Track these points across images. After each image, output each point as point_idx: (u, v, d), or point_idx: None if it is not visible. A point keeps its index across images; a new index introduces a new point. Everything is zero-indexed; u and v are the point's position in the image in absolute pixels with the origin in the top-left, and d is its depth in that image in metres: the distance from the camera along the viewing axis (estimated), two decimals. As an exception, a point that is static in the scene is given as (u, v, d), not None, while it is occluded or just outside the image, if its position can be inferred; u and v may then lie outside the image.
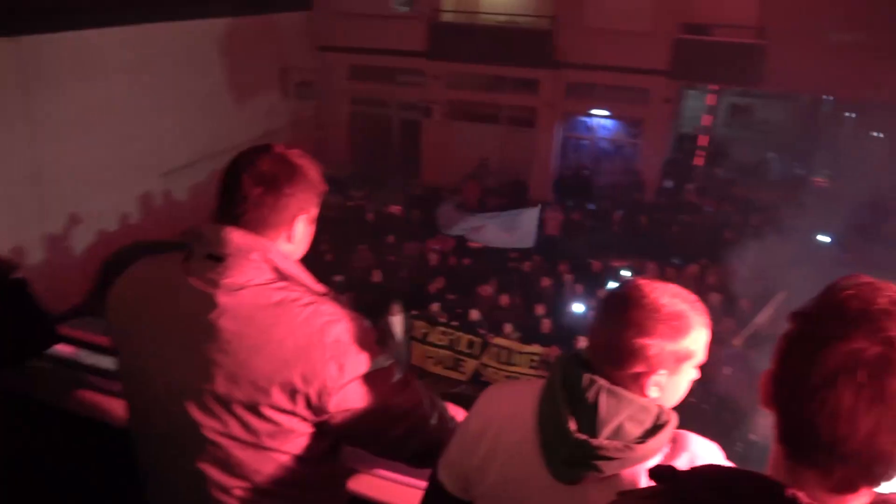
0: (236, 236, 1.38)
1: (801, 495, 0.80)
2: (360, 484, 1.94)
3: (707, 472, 0.89)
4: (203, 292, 1.36)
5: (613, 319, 1.20)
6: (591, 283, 10.76)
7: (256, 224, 1.40)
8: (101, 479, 2.27)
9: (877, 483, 0.83)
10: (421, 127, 16.82)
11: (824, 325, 0.83)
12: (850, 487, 0.83)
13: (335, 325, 1.37)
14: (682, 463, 1.18)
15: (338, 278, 10.34)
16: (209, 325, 1.34)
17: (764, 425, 7.09)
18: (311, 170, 1.47)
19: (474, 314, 9.94)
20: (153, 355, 1.41)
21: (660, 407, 1.20)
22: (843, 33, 12.96)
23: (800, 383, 0.83)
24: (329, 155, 17.30)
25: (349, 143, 17.54)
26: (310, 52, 16.53)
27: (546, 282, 10.63)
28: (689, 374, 1.24)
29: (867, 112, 15.56)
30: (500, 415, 1.31)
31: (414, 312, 9.83)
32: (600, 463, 1.15)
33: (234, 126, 14.30)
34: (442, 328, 9.76)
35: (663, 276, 10.66)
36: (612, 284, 10.58)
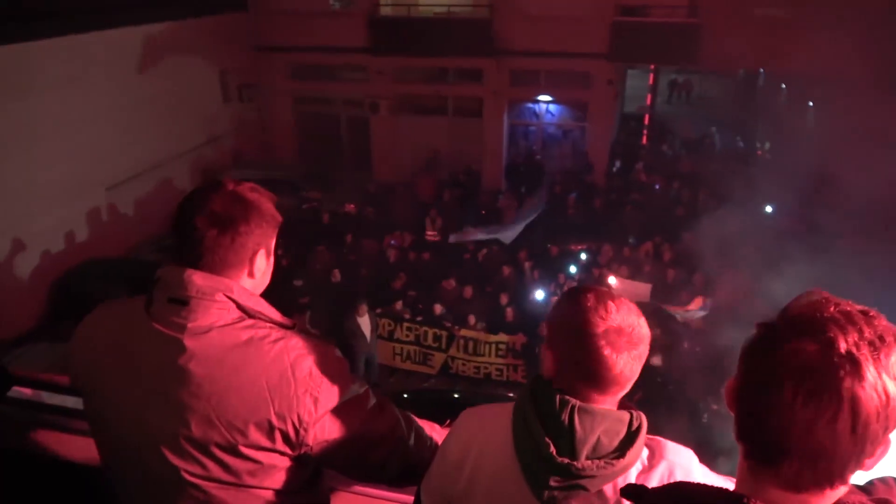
0: (198, 278, 1.35)
1: None
2: (342, 503, 1.94)
3: (676, 491, 0.94)
4: (170, 337, 1.34)
5: (580, 345, 1.21)
6: (550, 268, 10.89)
7: (215, 265, 1.38)
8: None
9: (829, 482, 0.87)
10: (369, 123, 16.70)
11: (776, 331, 0.89)
12: (805, 487, 0.88)
13: (306, 358, 1.36)
14: (660, 471, 1.24)
15: (297, 282, 10.21)
16: (179, 369, 1.32)
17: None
18: (265, 203, 1.45)
19: (438, 308, 9.96)
20: (123, 403, 1.38)
21: (630, 413, 1.24)
22: (770, 8, 13.40)
23: (748, 383, 0.90)
24: (277, 157, 17.05)
25: (297, 144, 17.30)
26: (249, 53, 16.22)
27: (507, 270, 10.71)
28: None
29: (800, 84, 16.11)
30: (478, 441, 1.32)
31: (378, 310, 9.80)
32: (584, 482, 1.19)
33: (178, 133, 13.96)
34: (407, 324, 9.77)
35: (620, 257, 10.87)
36: (572, 269, 10.73)
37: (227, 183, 1.44)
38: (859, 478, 0.97)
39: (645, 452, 1.25)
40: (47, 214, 10.74)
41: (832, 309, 0.88)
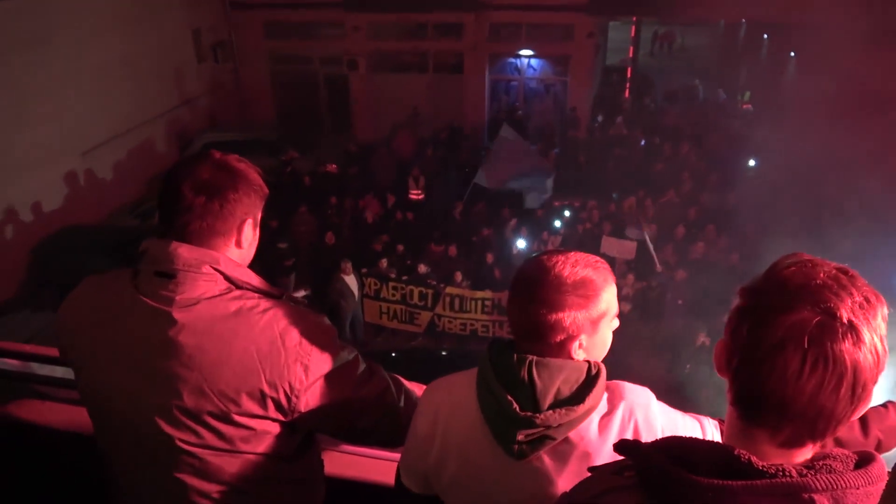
0: (184, 251, 1.34)
1: (754, 459, 0.87)
2: (336, 464, 1.96)
3: (668, 444, 0.96)
4: (158, 310, 1.33)
5: (525, 299, 1.25)
6: (534, 225, 10.91)
7: (202, 234, 1.37)
8: (67, 489, 2.22)
9: (822, 438, 0.91)
10: (348, 81, 16.41)
11: (769, 298, 0.91)
12: (798, 443, 0.91)
13: (295, 327, 1.36)
14: (620, 412, 1.27)
15: (282, 245, 10.16)
16: (169, 342, 1.32)
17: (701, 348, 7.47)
18: (252, 173, 1.44)
19: (423, 267, 9.99)
20: (114, 376, 1.37)
21: (588, 362, 1.27)
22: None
23: (750, 351, 0.91)
24: (254, 118, 16.74)
25: (274, 105, 16.97)
26: (222, 11, 15.75)
27: (490, 229, 10.72)
28: (609, 328, 1.32)
29: (781, 33, 16.00)
30: (444, 412, 1.34)
31: (364, 270, 9.81)
32: (551, 432, 1.22)
33: (151, 96, 13.62)
34: (393, 283, 9.80)
35: (604, 212, 10.91)
36: (556, 225, 10.77)
37: (212, 153, 1.42)
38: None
39: (605, 396, 1.28)
40: (23, 181, 10.51)
41: (822, 276, 0.90)
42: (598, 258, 1.30)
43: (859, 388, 0.86)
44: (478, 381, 1.30)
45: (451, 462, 1.33)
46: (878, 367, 0.86)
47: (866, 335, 0.86)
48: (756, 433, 0.92)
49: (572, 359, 1.26)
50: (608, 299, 1.27)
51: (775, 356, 0.87)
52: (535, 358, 1.22)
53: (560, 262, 1.25)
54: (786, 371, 0.86)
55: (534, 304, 1.22)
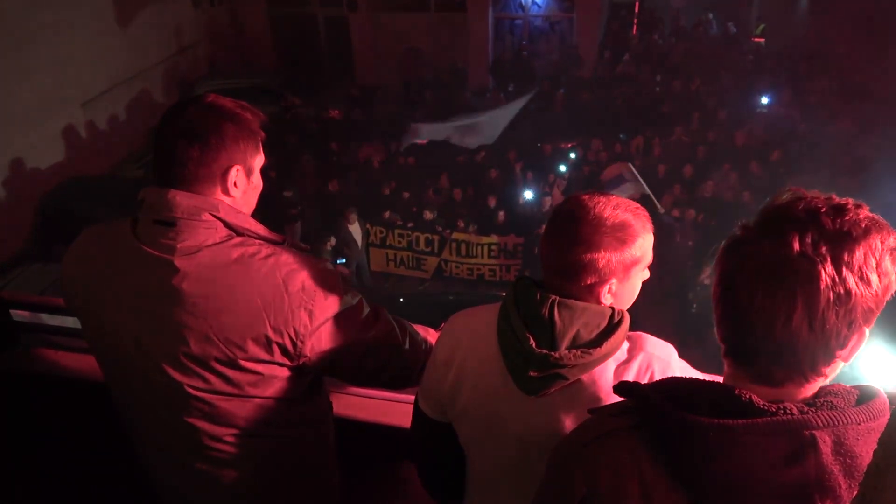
0: (182, 198, 1.32)
1: (755, 398, 0.86)
2: (344, 405, 2.00)
3: (667, 385, 0.96)
4: (160, 258, 1.33)
5: (561, 237, 1.23)
6: (541, 168, 10.78)
7: (185, 180, 1.34)
8: (82, 437, 2.28)
9: (802, 375, 0.88)
10: (348, 23, 16.00)
11: (747, 232, 0.90)
12: (775, 381, 0.89)
13: (298, 273, 1.36)
14: (638, 363, 1.26)
15: (287, 193, 10.11)
16: (172, 290, 1.32)
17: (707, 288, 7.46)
18: (244, 117, 1.38)
19: (428, 213, 9.95)
20: (120, 325, 1.38)
21: (612, 308, 1.26)
22: None
23: (718, 284, 0.91)
24: (254, 64, 16.42)
25: (274, 49, 16.60)
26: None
27: (496, 172, 10.61)
28: (639, 277, 1.30)
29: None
30: (463, 341, 1.37)
31: (368, 225, 9.77)
32: (564, 371, 1.22)
33: (148, 44, 13.33)
34: (399, 230, 9.79)
35: (611, 152, 10.75)
36: (561, 168, 10.64)
37: (206, 96, 1.38)
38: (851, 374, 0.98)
39: (626, 346, 1.28)
40: (26, 133, 10.41)
41: (800, 207, 0.86)
42: (638, 205, 1.28)
43: (817, 322, 0.83)
44: (499, 314, 1.31)
45: (465, 390, 1.35)
46: (847, 304, 0.83)
47: (826, 270, 0.82)
48: (739, 370, 0.92)
49: (600, 303, 1.25)
50: (644, 246, 1.25)
51: (731, 288, 0.88)
52: (558, 298, 1.22)
53: (601, 203, 1.23)
54: (739, 303, 0.86)
55: (570, 241, 1.21)
